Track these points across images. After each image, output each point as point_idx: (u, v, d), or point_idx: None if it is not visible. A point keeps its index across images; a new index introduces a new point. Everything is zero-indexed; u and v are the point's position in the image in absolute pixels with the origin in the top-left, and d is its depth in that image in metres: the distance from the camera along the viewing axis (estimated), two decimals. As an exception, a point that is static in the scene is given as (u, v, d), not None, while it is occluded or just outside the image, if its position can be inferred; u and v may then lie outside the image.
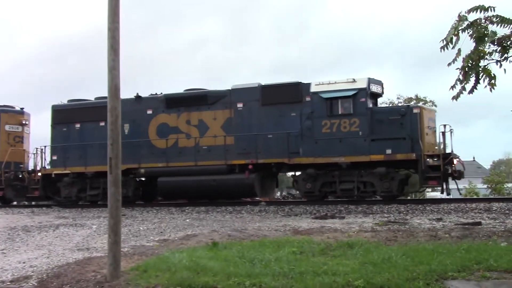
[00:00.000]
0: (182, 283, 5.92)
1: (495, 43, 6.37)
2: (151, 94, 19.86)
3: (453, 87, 6.78)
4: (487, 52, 6.51)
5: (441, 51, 6.37)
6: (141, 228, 11.92)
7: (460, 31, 6.29)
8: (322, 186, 16.90)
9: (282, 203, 18.03)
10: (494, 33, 6.29)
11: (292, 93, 17.29)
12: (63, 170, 20.04)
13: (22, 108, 23.83)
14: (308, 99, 17.02)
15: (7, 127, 22.77)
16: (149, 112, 19.33)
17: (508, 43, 6.40)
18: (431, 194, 30.30)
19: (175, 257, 7.21)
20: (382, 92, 17.71)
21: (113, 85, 6.68)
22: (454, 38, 6.27)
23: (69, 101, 21.22)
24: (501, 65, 7.07)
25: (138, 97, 19.55)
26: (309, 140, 16.91)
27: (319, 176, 16.82)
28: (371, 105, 16.72)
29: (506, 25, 6.20)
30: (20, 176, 21.95)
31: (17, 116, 23.33)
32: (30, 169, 22.03)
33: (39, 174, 20.51)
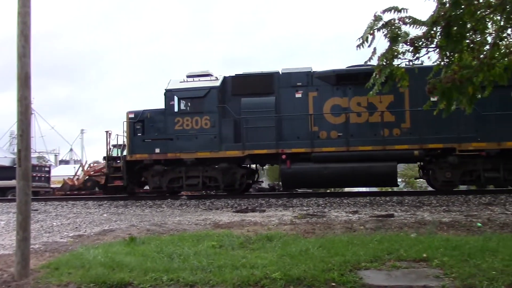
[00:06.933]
0: (97, 280, 5.71)
1: (408, 43, 6.65)
2: None
3: (369, 84, 7.02)
4: (400, 51, 6.78)
5: (357, 49, 6.56)
6: (54, 223, 11.39)
7: (375, 31, 6.50)
8: None
9: (203, 196, 17.92)
10: (407, 33, 6.55)
11: None
12: None
13: None
14: None
15: None
16: None
17: (420, 43, 6.71)
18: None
19: (90, 253, 6.95)
20: None
21: (23, 73, 6.28)
22: (370, 37, 6.48)
23: None
24: (413, 65, 7.40)
25: None
26: None
27: None
28: None
29: (418, 26, 6.49)
30: None
31: None
32: None
33: None
